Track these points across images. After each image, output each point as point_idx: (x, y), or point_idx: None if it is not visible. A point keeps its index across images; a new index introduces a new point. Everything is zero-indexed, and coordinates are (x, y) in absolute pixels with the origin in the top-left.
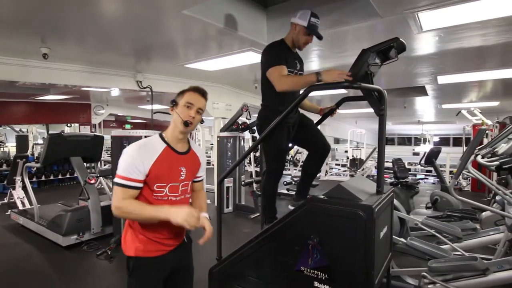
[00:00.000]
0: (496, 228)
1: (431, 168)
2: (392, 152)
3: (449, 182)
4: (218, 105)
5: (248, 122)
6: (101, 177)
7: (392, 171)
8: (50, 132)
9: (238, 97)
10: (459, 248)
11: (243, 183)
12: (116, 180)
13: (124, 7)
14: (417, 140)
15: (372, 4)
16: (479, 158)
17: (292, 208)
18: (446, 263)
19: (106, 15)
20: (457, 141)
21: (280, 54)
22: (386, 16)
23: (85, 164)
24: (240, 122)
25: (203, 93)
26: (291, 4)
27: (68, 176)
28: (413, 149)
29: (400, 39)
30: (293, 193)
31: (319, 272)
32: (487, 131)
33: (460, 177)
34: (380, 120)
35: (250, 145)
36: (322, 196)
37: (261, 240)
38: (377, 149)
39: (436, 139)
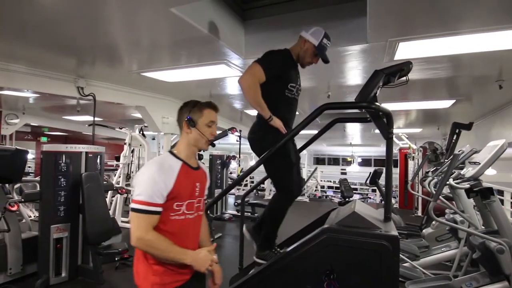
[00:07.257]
0: (446, 245)
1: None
2: (325, 171)
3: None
4: (169, 119)
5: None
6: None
7: (339, 191)
8: None
9: None
10: (418, 266)
11: None
12: (137, 206)
13: None
14: (343, 161)
15: (367, 29)
16: (451, 181)
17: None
18: (424, 284)
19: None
20: (377, 162)
21: (275, 65)
22: (371, 42)
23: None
24: None
25: (217, 109)
26: (273, 20)
27: None
28: (341, 169)
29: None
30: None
31: None
32: (412, 155)
33: None
34: (388, 143)
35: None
36: (337, 226)
37: (262, 279)
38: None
39: (359, 160)
